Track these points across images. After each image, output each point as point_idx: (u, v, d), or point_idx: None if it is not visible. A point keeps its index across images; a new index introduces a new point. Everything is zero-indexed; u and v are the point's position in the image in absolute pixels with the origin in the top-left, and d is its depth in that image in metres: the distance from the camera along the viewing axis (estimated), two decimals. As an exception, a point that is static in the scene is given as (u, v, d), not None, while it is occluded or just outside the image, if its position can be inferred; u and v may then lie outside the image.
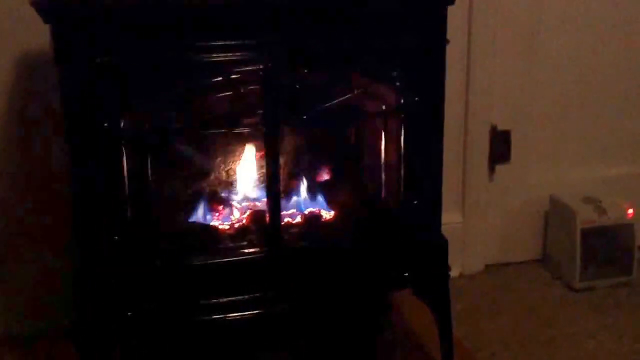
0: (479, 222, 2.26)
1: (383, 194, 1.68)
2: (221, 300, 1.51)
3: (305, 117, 1.52)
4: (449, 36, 2.10)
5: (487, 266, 2.30)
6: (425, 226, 1.64)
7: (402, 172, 1.61)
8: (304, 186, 1.71)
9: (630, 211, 2.18)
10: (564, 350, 1.89)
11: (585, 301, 2.12)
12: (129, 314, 1.50)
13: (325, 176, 1.78)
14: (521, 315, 2.06)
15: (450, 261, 2.19)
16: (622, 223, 2.18)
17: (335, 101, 1.55)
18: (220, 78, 1.46)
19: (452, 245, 2.21)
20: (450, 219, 2.23)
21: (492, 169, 2.25)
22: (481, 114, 2.19)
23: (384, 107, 1.60)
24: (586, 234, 2.16)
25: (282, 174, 1.72)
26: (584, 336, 1.95)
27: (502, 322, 2.02)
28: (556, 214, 2.25)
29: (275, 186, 1.49)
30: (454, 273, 2.23)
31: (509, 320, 2.03)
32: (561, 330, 1.98)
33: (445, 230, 2.20)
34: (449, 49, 2.09)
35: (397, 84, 1.58)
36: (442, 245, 1.66)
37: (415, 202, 1.61)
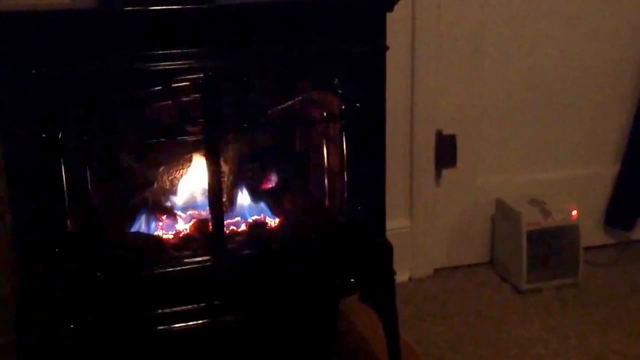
0: (427, 226, 2.28)
1: (328, 200, 1.68)
2: (166, 310, 1.49)
3: (246, 125, 1.51)
4: (393, 42, 2.11)
5: (436, 270, 2.32)
6: (369, 232, 1.65)
7: (346, 178, 1.61)
8: (249, 194, 1.70)
9: (575, 212, 2.21)
10: (511, 352, 1.91)
11: (533, 303, 2.15)
12: (72, 326, 1.47)
13: (270, 184, 1.77)
14: (469, 318, 2.07)
15: (399, 266, 2.21)
16: (567, 224, 2.21)
17: (276, 109, 1.55)
18: (161, 87, 1.44)
19: (400, 250, 2.23)
20: (398, 224, 2.25)
21: (438, 174, 2.27)
22: (427, 119, 2.21)
23: (325, 115, 1.60)
24: (532, 236, 2.19)
25: (227, 182, 1.71)
26: (533, 338, 1.97)
27: (451, 325, 2.03)
28: (502, 216, 2.28)
29: (218, 194, 1.48)
30: (403, 277, 2.26)
31: (457, 323, 2.05)
32: (509, 333, 2.00)
33: (393, 235, 2.21)
34: (394, 55, 2.11)
35: (339, 91, 1.58)
36: (387, 251, 1.67)
37: (359, 207, 1.62)
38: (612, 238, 2.45)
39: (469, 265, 2.35)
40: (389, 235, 2.17)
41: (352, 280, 1.65)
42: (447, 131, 2.25)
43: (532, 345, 1.94)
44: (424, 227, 2.28)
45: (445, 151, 2.26)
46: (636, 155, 2.37)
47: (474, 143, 2.29)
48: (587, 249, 2.33)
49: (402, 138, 2.22)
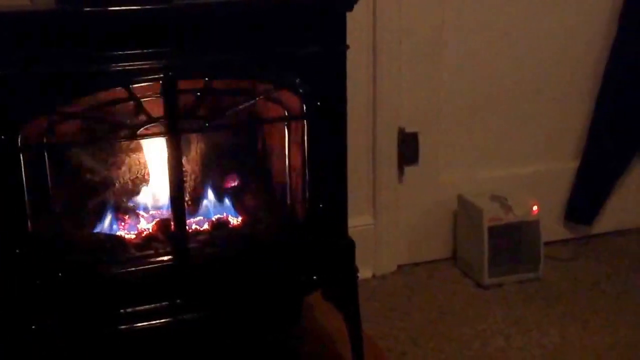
0: (390, 223, 2.30)
1: (290, 198, 1.69)
2: (128, 310, 1.49)
3: (207, 125, 1.52)
4: (354, 41, 2.12)
5: (399, 266, 2.34)
6: (331, 229, 1.66)
7: (307, 176, 1.62)
8: (211, 193, 1.71)
9: (535, 208, 2.25)
10: (473, 346, 1.94)
11: (494, 297, 2.18)
12: (33, 327, 1.46)
13: (233, 182, 1.78)
14: (432, 313, 2.10)
15: (362, 262, 2.23)
16: (527, 220, 2.25)
17: (237, 109, 1.55)
18: (121, 88, 1.44)
19: (364, 247, 2.26)
20: (361, 221, 2.27)
21: (401, 171, 2.29)
22: (389, 117, 2.23)
23: (286, 113, 1.61)
24: (493, 231, 2.22)
25: (190, 181, 1.72)
26: (493, 332, 2.00)
27: (414, 321, 2.06)
28: (464, 212, 2.31)
29: (179, 194, 1.49)
30: (366, 274, 2.28)
31: (420, 318, 2.07)
32: (471, 327, 2.03)
33: (356, 232, 2.23)
34: (355, 54, 2.13)
35: (300, 90, 1.59)
36: (349, 248, 1.69)
37: (321, 205, 1.63)
38: (572, 233, 2.50)
39: (432, 261, 2.38)
40: (352, 232, 2.19)
41: (315, 277, 1.66)
42: (409, 129, 2.27)
43: (493, 339, 1.97)
44: (387, 224, 2.30)
45: (408, 149, 2.28)
46: (595, 151, 2.42)
47: (436, 140, 2.32)
48: (548, 243, 2.38)
49: (365, 136, 2.24)
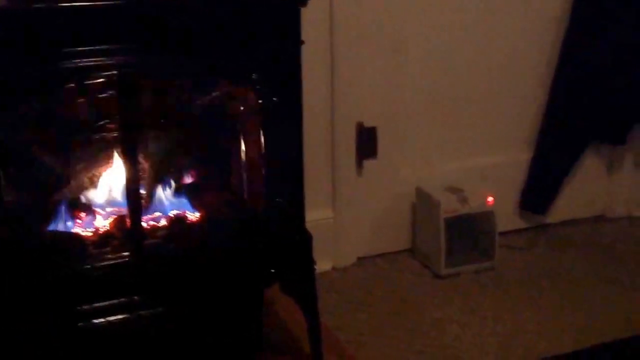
0: (350, 216, 2.33)
1: (247, 193, 1.71)
2: (85, 307, 1.50)
3: (163, 121, 1.53)
4: (312, 36, 2.15)
5: (359, 258, 2.37)
6: (288, 223, 1.69)
7: (264, 171, 1.65)
8: (170, 189, 1.72)
9: (490, 199, 2.30)
10: (431, 334, 1.98)
11: (451, 287, 2.22)
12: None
13: (191, 178, 1.79)
14: (391, 304, 2.13)
15: (322, 255, 2.27)
16: (483, 210, 2.30)
17: (194, 105, 1.57)
18: (75, 85, 1.45)
19: (324, 240, 2.29)
20: (321, 214, 2.30)
21: (360, 165, 2.32)
22: (347, 111, 2.26)
23: (242, 109, 1.62)
24: (450, 222, 2.26)
25: (147, 177, 1.72)
26: (450, 320, 2.04)
27: (373, 312, 2.09)
28: (422, 204, 2.35)
29: (135, 191, 1.50)
30: (326, 267, 2.31)
31: (379, 309, 2.11)
32: (429, 316, 2.07)
33: (316, 225, 2.26)
34: (313, 48, 2.16)
35: (257, 86, 1.61)
36: (306, 241, 1.71)
37: (278, 199, 1.65)
38: (527, 222, 2.55)
39: (392, 253, 2.41)
40: (312, 226, 2.21)
41: (272, 271, 1.69)
42: (367, 123, 2.30)
43: (450, 327, 2.01)
44: (347, 217, 2.33)
45: (366, 143, 2.31)
46: (548, 143, 2.48)
47: (394, 134, 2.35)
48: (504, 233, 2.43)
49: (324, 131, 2.26)
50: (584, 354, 1.88)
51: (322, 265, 2.30)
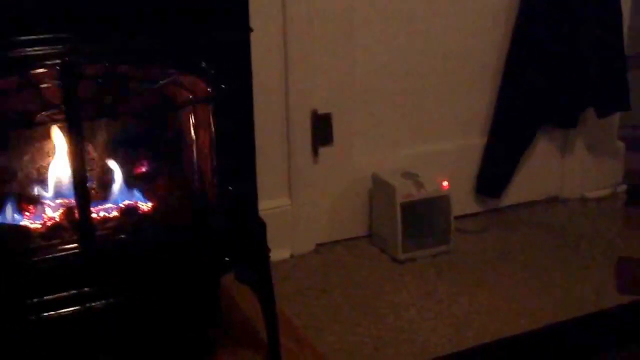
0: (307, 203, 2.34)
1: (200, 182, 1.71)
2: (34, 300, 1.48)
3: (110, 110, 1.52)
4: (264, 23, 2.15)
5: (317, 245, 2.38)
6: (242, 211, 1.68)
7: (216, 160, 1.64)
8: (120, 180, 1.71)
9: (445, 184, 2.32)
10: (388, 318, 2.00)
11: (408, 271, 2.24)
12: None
13: (142, 168, 1.78)
14: (349, 289, 2.15)
15: (280, 243, 2.28)
16: (438, 195, 2.32)
17: (142, 94, 1.55)
18: (19, 75, 1.43)
19: (281, 228, 2.29)
20: (278, 202, 2.30)
21: (315, 152, 2.33)
22: (301, 99, 2.26)
23: (191, 97, 1.62)
24: (406, 207, 2.28)
25: (97, 168, 1.71)
26: (407, 304, 2.07)
27: (331, 298, 2.10)
28: (378, 190, 2.37)
29: (82, 181, 1.48)
30: (284, 254, 2.32)
31: (337, 295, 2.12)
32: (386, 301, 2.08)
33: (273, 213, 2.27)
34: (266, 36, 2.16)
35: (206, 74, 1.60)
36: (260, 229, 1.71)
37: (230, 188, 1.65)
38: (482, 206, 2.58)
39: (350, 239, 2.43)
40: (269, 214, 2.22)
41: (227, 260, 1.69)
42: (322, 110, 2.30)
43: (406, 311, 2.03)
44: (304, 204, 2.34)
45: (321, 130, 2.32)
46: (501, 127, 2.50)
47: (349, 121, 2.36)
48: (460, 217, 2.46)
49: (279, 118, 2.26)
50: (536, 335, 1.91)
51: (281, 253, 2.31)
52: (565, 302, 2.05)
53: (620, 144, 2.74)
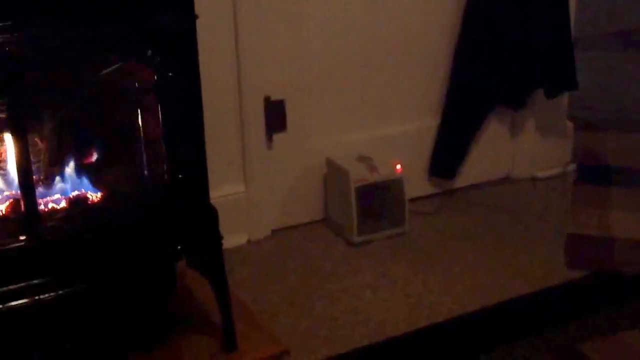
0: (262, 189, 2.35)
1: (149, 170, 1.71)
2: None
3: (55, 99, 1.51)
4: (214, 10, 2.15)
5: (273, 231, 2.39)
6: (192, 199, 1.69)
7: (165, 148, 1.64)
8: (69, 170, 1.70)
9: (399, 167, 2.34)
10: (343, 301, 2.03)
11: (364, 254, 2.27)
12: None
13: (91, 158, 1.77)
14: (306, 274, 2.17)
15: (236, 229, 2.29)
16: (392, 178, 2.34)
17: (88, 82, 1.55)
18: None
19: (237, 214, 2.31)
20: (233, 189, 2.31)
21: (269, 138, 2.33)
22: (254, 86, 2.27)
23: (137, 85, 1.61)
24: (360, 191, 2.30)
25: (44, 158, 1.70)
26: (362, 286, 2.09)
27: (288, 283, 2.12)
28: (332, 175, 2.39)
29: (27, 172, 1.47)
30: (241, 240, 2.33)
31: (293, 280, 2.14)
32: (341, 284, 2.11)
33: (229, 200, 2.28)
34: (216, 23, 2.16)
35: (152, 62, 1.60)
36: (211, 216, 1.72)
37: (180, 176, 1.65)
38: (436, 188, 2.61)
39: (306, 224, 2.44)
40: (224, 201, 2.23)
41: (179, 247, 1.69)
42: (275, 97, 2.31)
43: (362, 293, 2.06)
44: (259, 190, 2.35)
45: (275, 116, 2.32)
46: (453, 108, 2.53)
47: (302, 107, 2.37)
48: (414, 199, 2.49)
49: (232, 106, 2.26)
50: (486, 312, 1.95)
51: (237, 239, 2.32)
52: (516, 279, 2.09)
53: (569, 124, 2.80)
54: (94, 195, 1.68)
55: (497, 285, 2.06)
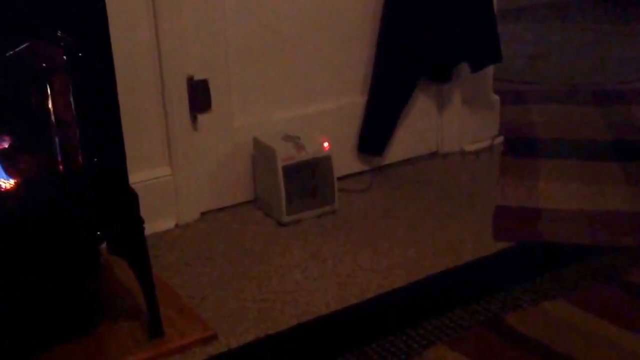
0: (189, 172, 2.30)
1: (64, 155, 1.65)
2: None
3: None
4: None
5: (202, 214, 2.35)
6: (110, 183, 1.64)
7: (79, 131, 1.59)
8: (-22, 157, 1.63)
9: (326, 145, 2.33)
10: (273, 281, 2.01)
11: (293, 234, 2.25)
12: None
13: (4, 144, 1.70)
14: (235, 256, 2.14)
15: (164, 213, 2.25)
16: (320, 156, 2.33)
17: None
18: None
19: (164, 198, 2.26)
20: (158, 172, 2.26)
21: (194, 119, 2.29)
22: (176, 66, 2.21)
23: (45, 66, 1.55)
24: (288, 170, 2.28)
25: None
26: (292, 266, 2.08)
27: (216, 265, 2.09)
28: (260, 154, 2.36)
29: None
30: (169, 224, 2.29)
31: (222, 262, 2.11)
32: (271, 264, 2.09)
33: (155, 184, 2.24)
34: (134, 2, 2.10)
35: (62, 42, 1.54)
36: (131, 201, 1.67)
37: (96, 159, 1.60)
38: (365, 165, 2.61)
39: (235, 206, 2.41)
40: (150, 184, 2.19)
41: (99, 233, 1.64)
42: (198, 76, 2.26)
43: (291, 273, 2.04)
44: (186, 173, 2.30)
45: (199, 96, 2.28)
46: (380, 84, 2.53)
47: (227, 86, 2.32)
48: (344, 177, 2.49)
49: (154, 87, 2.21)
50: (415, 285, 1.96)
51: (165, 223, 2.28)
52: (445, 252, 2.11)
53: (496, 97, 2.83)
54: (7, 183, 1.61)
55: (426, 260, 2.07)
